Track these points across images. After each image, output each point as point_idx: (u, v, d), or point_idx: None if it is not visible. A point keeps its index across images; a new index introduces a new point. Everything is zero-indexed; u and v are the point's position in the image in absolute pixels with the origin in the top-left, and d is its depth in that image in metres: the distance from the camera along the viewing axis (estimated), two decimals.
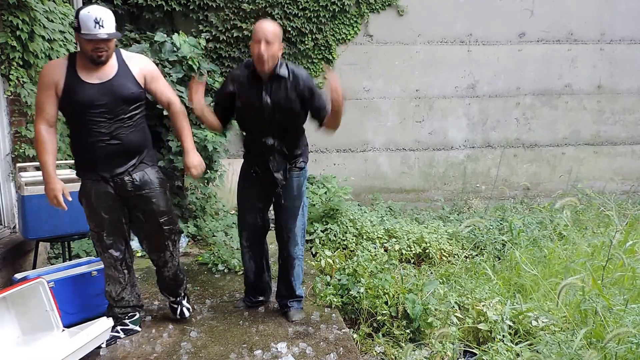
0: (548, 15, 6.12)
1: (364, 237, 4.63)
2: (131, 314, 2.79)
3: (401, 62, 6.03)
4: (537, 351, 2.51)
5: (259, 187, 2.90)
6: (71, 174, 2.79)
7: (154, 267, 2.87)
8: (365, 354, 2.86)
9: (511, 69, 6.20)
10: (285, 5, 5.57)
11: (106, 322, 2.50)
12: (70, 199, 2.47)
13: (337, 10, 5.70)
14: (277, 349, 2.63)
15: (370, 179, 6.22)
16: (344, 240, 4.58)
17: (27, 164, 3.44)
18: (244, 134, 2.93)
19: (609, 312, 2.56)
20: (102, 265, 2.72)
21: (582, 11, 6.16)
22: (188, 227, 4.60)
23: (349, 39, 5.85)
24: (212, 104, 2.98)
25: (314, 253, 4.37)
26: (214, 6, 5.49)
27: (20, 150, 3.57)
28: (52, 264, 3.52)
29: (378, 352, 2.86)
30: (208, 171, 4.64)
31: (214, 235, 4.41)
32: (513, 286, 3.46)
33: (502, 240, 4.41)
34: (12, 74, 3.41)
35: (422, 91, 6.13)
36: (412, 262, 4.42)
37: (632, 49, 6.32)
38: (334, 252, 4.22)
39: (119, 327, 2.73)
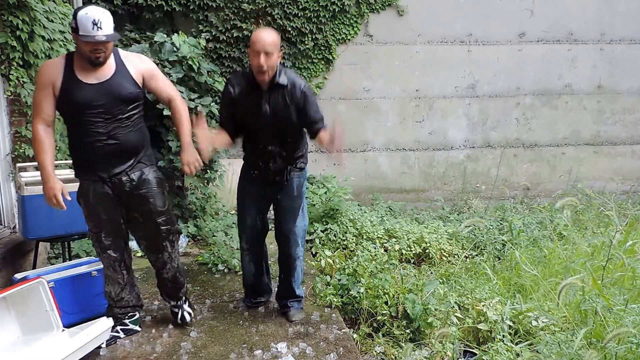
0: (548, 15, 6.12)
1: (364, 237, 4.63)
2: (131, 313, 2.79)
3: (401, 62, 6.04)
4: (537, 351, 2.52)
5: (259, 188, 2.90)
6: (71, 174, 2.79)
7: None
8: (365, 354, 2.86)
9: (511, 69, 6.21)
10: (285, 5, 5.57)
11: (106, 322, 2.49)
12: (69, 198, 2.46)
13: (337, 10, 5.70)
14: (277, 349, 2.63)
15: (370, 179, 6.22)
16: (344, 240, 4.58)
17: (27, 164, 3.45)
18: (244, 138, 2.92)
19: (609, 312, 2.56)
20: (102, 265, 2.72)
21: (582, 11, 6.16)
22: (188, 227, 4.60)
23: (349, 39, 5.85)
24: (218, 124, 2.96)
25: (314, 253, 4.37)
26: (214, 6, 5.49)
27: (20, 150, 3.57)
28: (52, 264, 3.52)
29: (378, 352, 2.86)
30: (208, 171, 4.64)
31: (214, 235, 4.41)
32: (513, 286, 3.46)
33: (502, 240, 4.41)
34: (12, 74, 3.41)
35: (422, 91, 6.13)
36: (412, 262, 4.42)
37: (632, 49, 6.32)
38: (334, 252, 4.22)
39: (118, 327, 2.73)
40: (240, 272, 3.47)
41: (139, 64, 2.55)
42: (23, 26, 3.34)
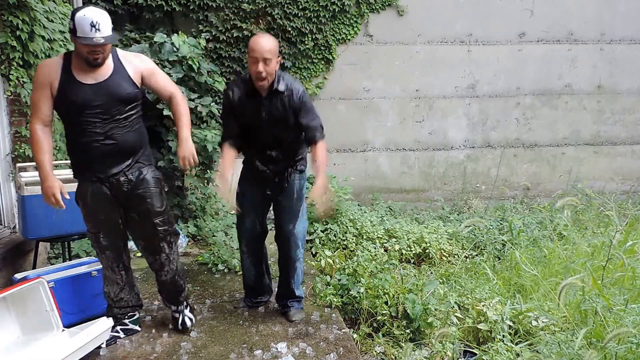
0: (548, 15, 6.11)
1: (364, 237, 4.63)
2: (131, 313, 2.79)
3: (401, 62, 6.03)
4: (537, 351, 2.52)
5: (259, 190, 2.91)
6: (71, 173, 2.79)
7: None
8: (365, 354, 2.86)
9: (511, 69, 6.20)
10: (285, 5, 5.57)
11: (106, 322, 2.49)
12: (67, 197, 2.45)
13: (337, 10, 5.70)
14: (277, 349, 2.63)
15: (370, 179, 6.22)
16: (344, 240, 4.58)
17: (27, 164, 3.45)
18: (244, 141, 2.92)
19: (609, 312, 2.56)
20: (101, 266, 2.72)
21: (582, 11, 6.16)
22: (188, 227, 4.60)
23: (349, 39, 5.85)
24: (220, 139, 2.99)
25: (314, 253, 4.37)
26: (214, 6, 5.49)
27: (20, 150, 3.57)
28: (52, 264, 3.52)
29: (378, 352, 2.86)
30: (208, 171, 4.64)
31: (214, 235, 4.41)
32: (513, 286, 3.46)
33: (502, 240, 4.41)
34: (12, 74, 3.41)
35: (422, 91, 6.13)
36: (412, 262, 4.42)
37: (632, 49, 6.31)
38: (334, 252, 4.22)
39: (118, 327, 2.73)
40: (240, 272, 3.47)
41: (138, 64, 2.54)
42: (23, 26, 3.34)
